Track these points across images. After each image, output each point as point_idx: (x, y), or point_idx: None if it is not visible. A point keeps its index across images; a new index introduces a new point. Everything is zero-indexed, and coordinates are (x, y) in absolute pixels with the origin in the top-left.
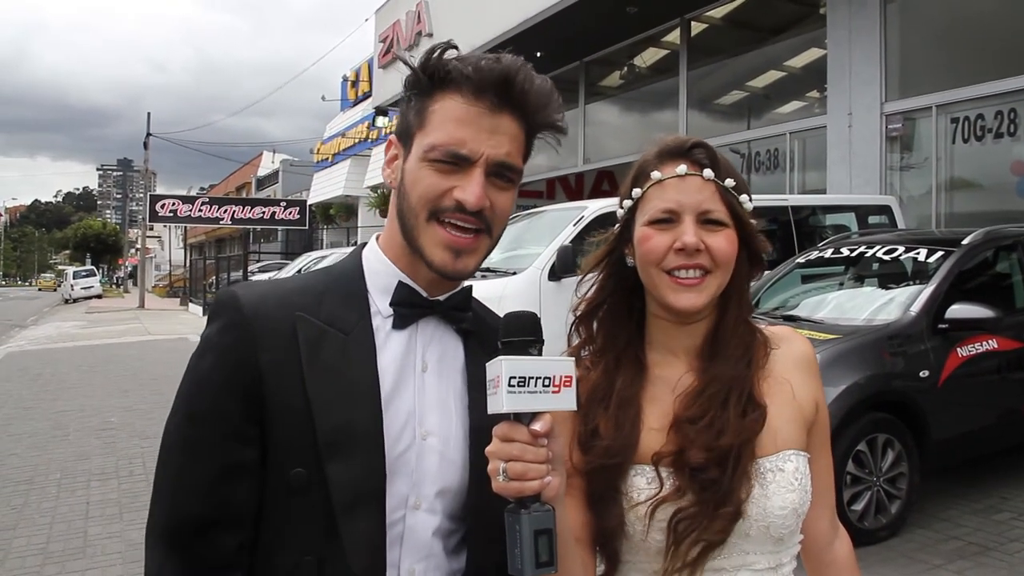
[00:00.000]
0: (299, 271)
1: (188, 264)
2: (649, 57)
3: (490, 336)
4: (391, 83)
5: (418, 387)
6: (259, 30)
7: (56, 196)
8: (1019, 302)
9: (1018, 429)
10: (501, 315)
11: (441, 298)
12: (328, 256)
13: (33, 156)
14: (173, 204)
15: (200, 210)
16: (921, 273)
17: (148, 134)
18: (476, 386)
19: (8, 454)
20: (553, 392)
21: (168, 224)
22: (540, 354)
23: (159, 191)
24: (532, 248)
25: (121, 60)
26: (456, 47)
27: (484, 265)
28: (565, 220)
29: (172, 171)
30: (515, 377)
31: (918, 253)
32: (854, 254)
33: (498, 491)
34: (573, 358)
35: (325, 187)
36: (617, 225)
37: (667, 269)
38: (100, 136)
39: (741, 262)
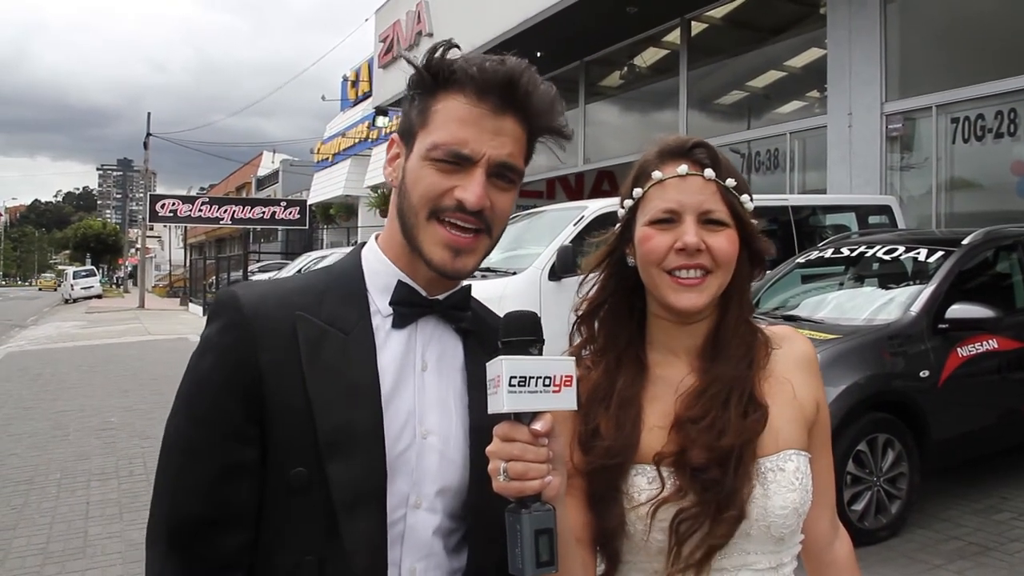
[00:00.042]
0: (299, 271)
1: (188, 264)
2: (649, 57)
3: (489, 335)
4: (391, 83)
5: (418, 386)
6: (259, 30)
7: (56, 196)
8: (1019, 302)
9: (1018, 429)
10: (501, 315)
11: (440, 297)
12: (328, 256)
13: (33, 156)
14: (173, 204)
15: (200, 210)
16: (921, 273)
17: (148, 134)
18: (476, 385)
19: (8, 454)
20: (553, 392)
21: (168, 224)
22: (540, 354)
23: (159, 191)
24: (532, 248)
25: (121, 60)
26: (458, 46)
27: (484, 265)
28: (565, 220)
29: (172, 171)
30: (515, 377)
31: (918, 253)
32: (854, 254)
33: (498, 491)
34: (573, 358)
35: (325, 187)
36: (618, 225)
37: (668, 269)
38: (100, 136)
39: (742, 262)
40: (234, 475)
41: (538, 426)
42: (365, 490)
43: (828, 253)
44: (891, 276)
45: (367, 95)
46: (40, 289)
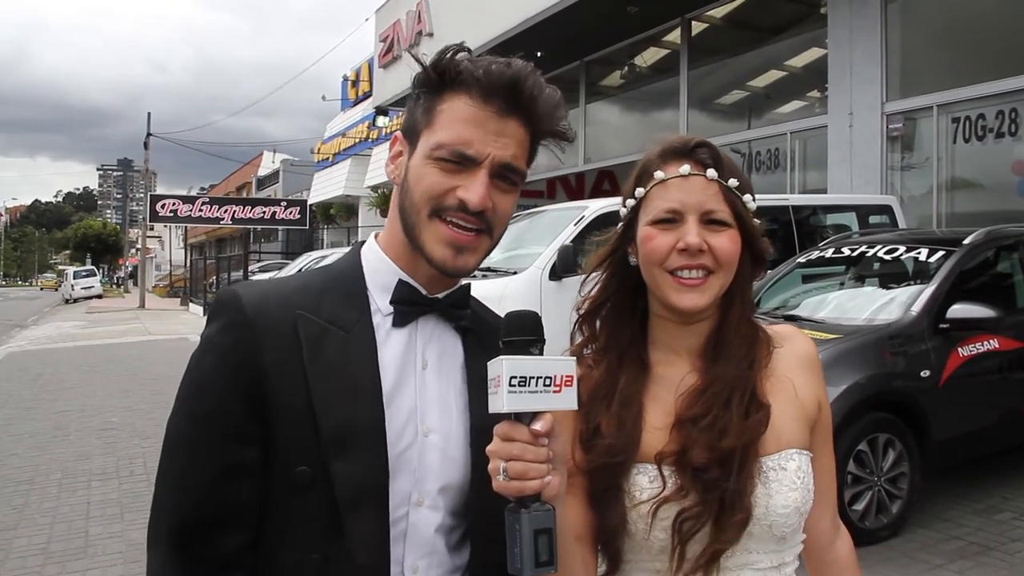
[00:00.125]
0: (299, 271)
1: (188, 264)
2: (650, 57)
3: (489, 334)
4: (391, 83)
5: (419, 384)
6: (259, 30)
7: (56, 196)
8: (1020, 302)
9: (1019, 429)
10: (502, 315)
11: (440, 296)
12: (328, 256)
13: (33, 156)
14: (173, 204)
15: (200, 210)
16: (922, 273)
17: (148, 134)
18: (476, 383)
19: (9, 454)
20: (554, 392)
21: (168, 224)
22: (541, 354)
23: (159, 191)
24: (533, 248)
25: (121, 60)
26: (469, 50)
27: (485, 264)
28: (566, 220)
29: (172, 171)
30: (516, 377)
31: (919, 253)
32: (855, 254)
33: (498, 490)
34: (574, 358)
35: (325, 187)
36: (620, 224)
37: (670, 269)
38: (100, 136)
39: (744, 262)
40: (235, 475)
41: (538, 426)
42: (368, 488)
43: (829, 253)
44: (892, 276)
45: (367, 95)
46: (42, 289)
